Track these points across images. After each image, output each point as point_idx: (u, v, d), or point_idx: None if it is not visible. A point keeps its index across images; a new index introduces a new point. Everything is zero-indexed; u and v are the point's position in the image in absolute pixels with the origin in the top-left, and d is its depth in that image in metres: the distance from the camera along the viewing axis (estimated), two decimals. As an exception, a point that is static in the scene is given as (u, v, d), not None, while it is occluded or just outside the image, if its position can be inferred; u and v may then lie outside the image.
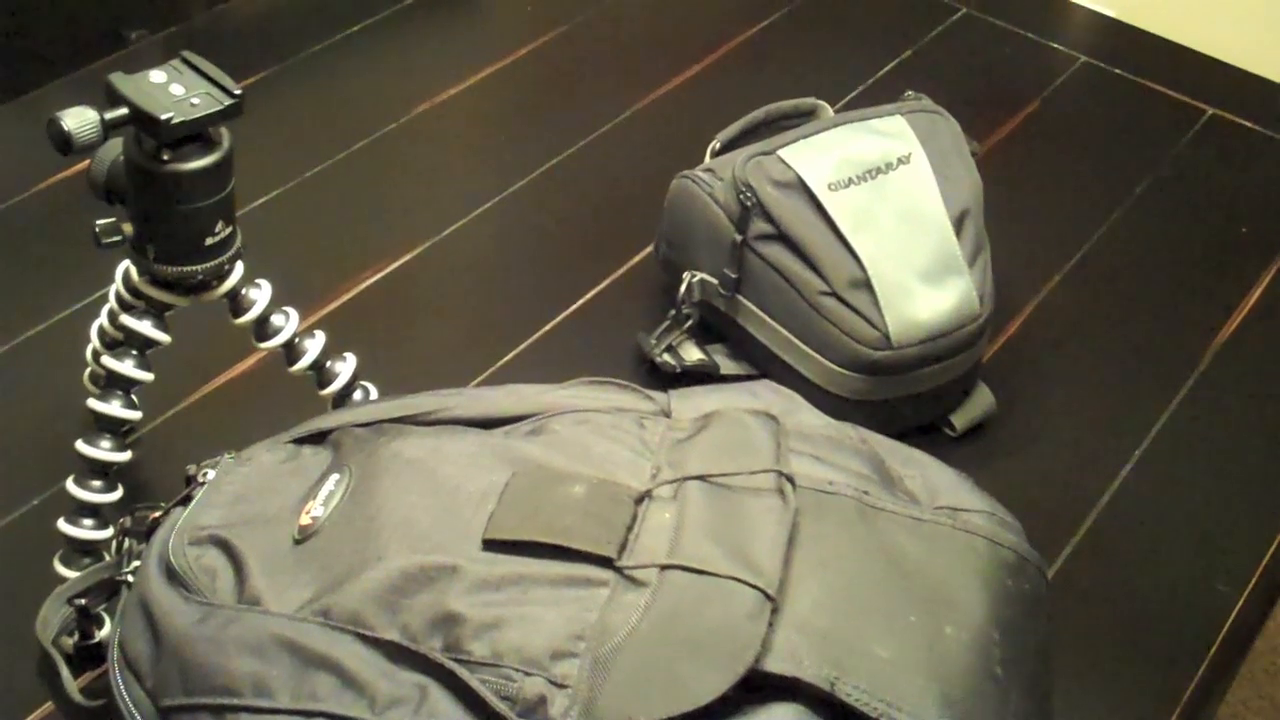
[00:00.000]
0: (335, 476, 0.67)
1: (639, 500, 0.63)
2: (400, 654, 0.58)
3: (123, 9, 1.58)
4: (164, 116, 0.71)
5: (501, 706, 0.56)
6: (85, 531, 0.81)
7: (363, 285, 1.09)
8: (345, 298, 1.08)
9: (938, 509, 0.67)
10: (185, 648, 0.61)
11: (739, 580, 0.59)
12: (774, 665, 0.57)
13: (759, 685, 0.57)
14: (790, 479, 0.64)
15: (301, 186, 1.18)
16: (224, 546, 0.65)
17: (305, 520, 0.65)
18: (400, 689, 0.58)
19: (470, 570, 0.60)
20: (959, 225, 0.96)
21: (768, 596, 0.58)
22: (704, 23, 1.40)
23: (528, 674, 0.57)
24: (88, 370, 0.93)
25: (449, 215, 1.16)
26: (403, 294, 1.09)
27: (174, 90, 0.73)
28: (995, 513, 0.69)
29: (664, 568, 0.60)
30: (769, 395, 0.74)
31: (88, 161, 0.77)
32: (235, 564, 0.64)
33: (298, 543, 0.64)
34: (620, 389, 0.73)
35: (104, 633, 0.79)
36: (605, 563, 0.60)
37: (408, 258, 1.12)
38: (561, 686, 0.57)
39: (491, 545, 0.61)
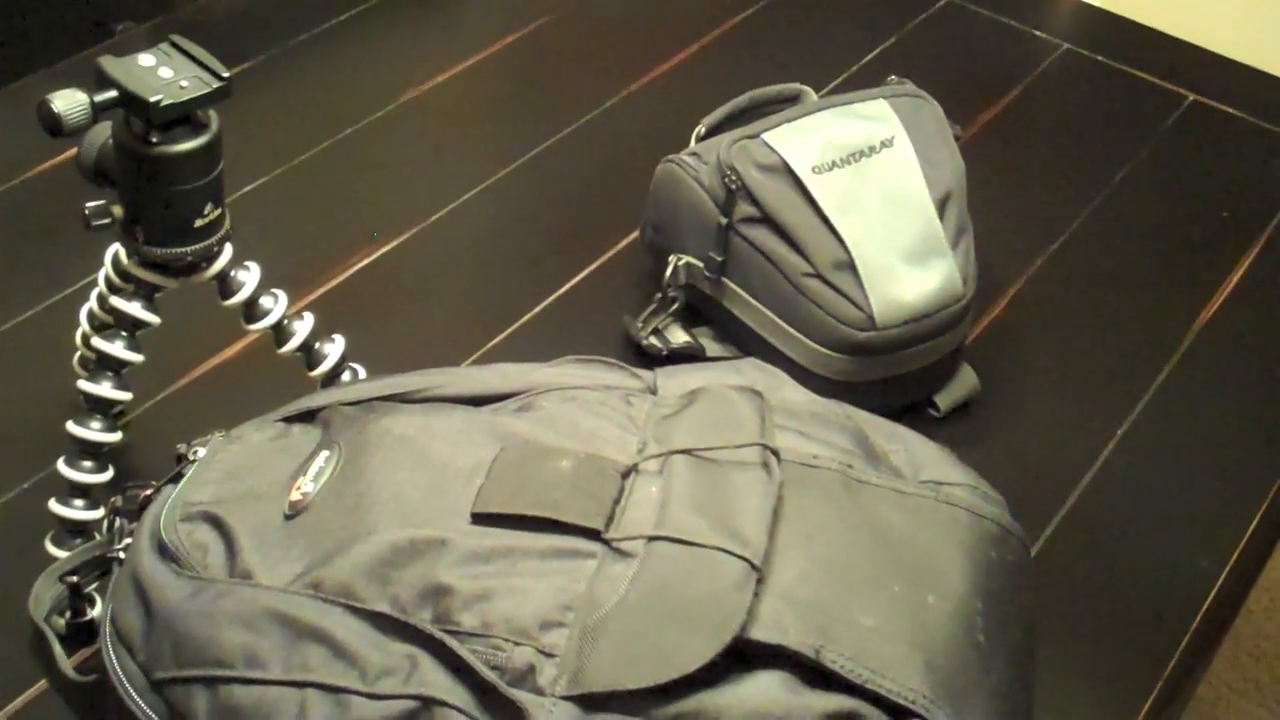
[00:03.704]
0: (325, 453, 0.68)
1: (625, 474, 0.64)
2: (390, 625, 0.59)
3: (108, 0, 1.57)
4: (153, 99, 0.71)
5: (491, 675, 0.57)
6: (76, 512, 0.81)
7: (352, 270, 1.10)
8: (334, 282, 1.08)
9: (922, 482, 0.68)
10: (177, 621, 0.62)
11: (724, 551, 0.59)
12: (759, 634, 0.57)
13: (745, 654, 0.57)
14: (775, 452, 0.64)
15: (290, 172, 1.18)
16: (215, 522, 0.65)
17: (296, 496, 0.66)
18: (391, 659, 0.58)
19: (459, 543, 0.61)
20: (942, 207, 0.97)
21: (753, 566, 0.59)
22: (689, 9, 1.41)
23: (517, 644, 0.58)
24: (77, 354, 0.93)
25: (437, 201, 1.17)
26: (391, 278, 1.10)
27: (163, 73, 0.73)
28: (978, 486, 0.69)
29: (650, 539, 0.61)
30: (754, 373, 0.75)
31: (75, 149, 0.78)
32: (226, 539, 0.64)
33: (288, 518, 0.65)
34: (607, 367, 0.74)
35: (96, 611, 0.80)
36: (593, 535, 0.61)
37: (395, 243, 1.12)
38: (550, 656, 0.57)
39: (480, 519, 0.62)
